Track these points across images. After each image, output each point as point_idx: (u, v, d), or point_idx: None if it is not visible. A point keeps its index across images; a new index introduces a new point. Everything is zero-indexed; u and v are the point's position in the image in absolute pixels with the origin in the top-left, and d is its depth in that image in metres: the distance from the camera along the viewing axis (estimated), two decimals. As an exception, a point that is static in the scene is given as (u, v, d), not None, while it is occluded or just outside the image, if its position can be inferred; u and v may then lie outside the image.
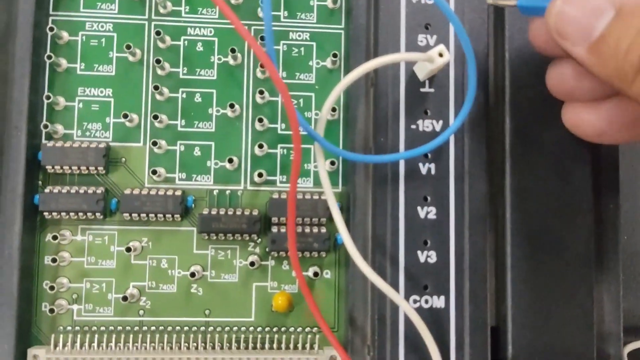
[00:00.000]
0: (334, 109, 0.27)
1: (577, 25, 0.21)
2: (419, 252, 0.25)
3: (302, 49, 0.28)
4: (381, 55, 0.25)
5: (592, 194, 0.25)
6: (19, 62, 0.26)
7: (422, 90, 0.26)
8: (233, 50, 0.27)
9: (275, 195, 0.27)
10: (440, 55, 0.24)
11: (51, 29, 0.26)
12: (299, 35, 0.28)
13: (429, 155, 0.25)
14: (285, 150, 0.28)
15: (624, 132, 0.23)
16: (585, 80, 0.23)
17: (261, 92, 0.27)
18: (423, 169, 0.25)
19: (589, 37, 0.20)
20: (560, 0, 0.21)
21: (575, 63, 0.23)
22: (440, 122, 0.26)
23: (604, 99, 0.23)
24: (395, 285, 0.25)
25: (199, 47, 0.28)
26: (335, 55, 0.27)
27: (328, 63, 0.28)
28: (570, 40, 0.21)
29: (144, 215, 0.26)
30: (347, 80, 0.23)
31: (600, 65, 0.21)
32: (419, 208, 0.25)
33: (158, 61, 0.27)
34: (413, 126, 0.25)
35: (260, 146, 0.27)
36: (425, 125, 0.25)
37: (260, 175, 0.27)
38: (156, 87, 0.27)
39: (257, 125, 0.27)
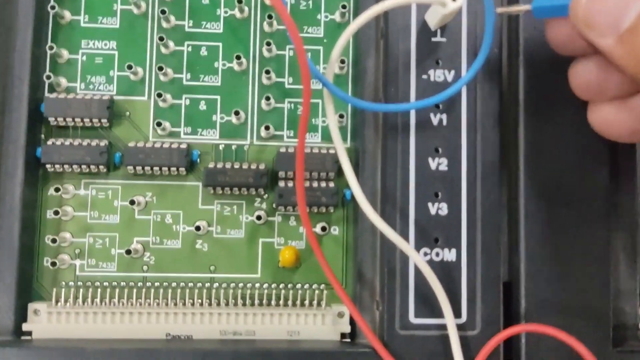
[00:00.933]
0: (342, 61, 0.27)
1: (606, 15, 0.20)
2: (429, 205, 0.24)
3: (310, 2, 0.27)
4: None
5: (608, 146, 0.25)
6: (22, 12, 0.26)
7: (433, 39, 0.25)
8: (240, 1, 0.26)
9: (283, 149, 0.26)
10: None
11: (55, -21, 0.26)
12: (307, -15, 0.28)
13: (440, 105, 0.25)
14: (292, 105, 0.27)
15: None
16: (612, 77, 0.22)
17: (268, 44, 0.26)
18: (434, 120, 0.25)
19: (619, 28, 0.20)
20: None
21: (600, 59, 0.22)
22: (452, 72, 0.25)
23: (633, 95, 0.22)
24: (405, 238, 0.24)
25: (205, 0, 0.27)
26: (344, 7, 0.27)
27: (337, 16, 0.27)
28: (599, 31, 0.20)
29: (148, 168, 0.26)
30: (356, 23, 0.23)
31: (629, 58, 0.20)
32: (430, 159, 0.24)
33: (163, 12, 0.26)
34: (424, 76, 0.25)
35: (267, 98, 0.26)
36: (437, 75, 0.25)
37: (267, 128, 0.26)
38: (161, 39, 0.26)
39: (264, 79, 0.27)
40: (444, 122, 0.25)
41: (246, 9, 0.27)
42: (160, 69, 0.26)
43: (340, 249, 0.27)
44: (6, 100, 0.25)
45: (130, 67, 0.26)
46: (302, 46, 0.21)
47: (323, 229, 0.26)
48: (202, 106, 0.27)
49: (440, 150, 0.25)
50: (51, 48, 0.26)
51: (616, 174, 0.25)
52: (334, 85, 0.23)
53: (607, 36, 0.20)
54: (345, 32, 0.23)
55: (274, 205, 0.26)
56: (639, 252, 0.25)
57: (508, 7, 0.24)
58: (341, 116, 0.27)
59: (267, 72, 0.26)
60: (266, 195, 0.27)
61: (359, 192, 0.23)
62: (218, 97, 0.27)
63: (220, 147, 0.27)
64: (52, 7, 0.26)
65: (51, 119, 0.26)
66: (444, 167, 0.25)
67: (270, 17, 0.27)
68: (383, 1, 0.23)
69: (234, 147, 0.27)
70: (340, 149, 0.23)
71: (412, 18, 0.25)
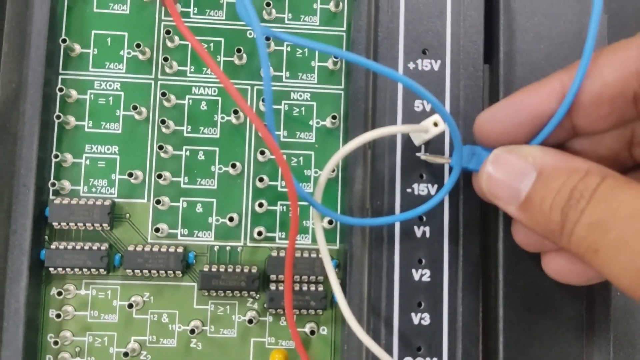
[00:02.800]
0: (333, 170, 0.28)
1: (505, 187, 0.22)
2: (412, 314, 0.26)
3: (303, 108, 0.29)
4: (378, 121, 0.26)
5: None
6: (29, 121, 0.27)
7: (417, 154, 0.26)
8: (236, 112, 0.28)
9: (274, 253, 0.27)
10: (435, 124, 0.25)
11: (60, 90, 0.27)
12: (300, 96, 0.29)
13: (424, 218, 0.26)
14: (284, 207, 0.28)
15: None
16: None
17: (262, 152, 0.28)
18: (418, 232, 0.26)
19: (518, 198, 0.22)
20: (489, 164, 0.23)
21: None
22: (435, 186, 0.26)
23: None
24: (389, 347, 0.25)
25: (203, 106, 0.29)
26: (334, 117, 0.28)
27: (328, 123, 0.29)
28: (503, 200, 0.22)
29: (147, 271, 0.27)
30: (345, 149, 0.24)
31: (533, 222, 0.22)
32: (413, 270, 0.26)
33: (163, 121, 0.28)
34: (409, 190, 0.26)
35: (261, 205, 0.28)
36: (421, 189, 0.26)
37: (259, 233, 0.27)
38: (160, 147, 0.28)
39: (258, 184, 0.28)
40: (427, 234, 0.26)
41: (242, 115, 0.28)
42: (159, 176, 0.27)
43: (328, 349, 0.28)
44: (12, 207, 0.27)
45: (131, 175, 0.27)
46: (289, 173, 0.23)
47: (312, 332, 0.27)
48: (199, 208, 0.28)
49: (423, 261, 0.26)
50: (56, 156, 0.27)
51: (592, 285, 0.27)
52: (321, 205, 0.25)
53: (510, 205, 0.22)
54: (334, 158, 0.24)
55: (265, 307, 0.27)
56: (613, 357, 0.27)
57: (431, 156, 0.26)
58: (330, 222, 0.28)
59: (261, 179, 0.28)
60: (258, 296, 0.28)
61: (345, 306, 0.24)
62: (214, 200, 0.28)
63: (215, 249, 0.28)
64: (58, 117, 0.27)
65: (55, 224, 0.27)
66: (426, 277, 0.26)
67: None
68: (371, 131, 0.24)
69: (228, 248, 0.28)
70: (328, 265, 0.25)
71: (397, 135, 0.26)
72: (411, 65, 0.27)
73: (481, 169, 0.23)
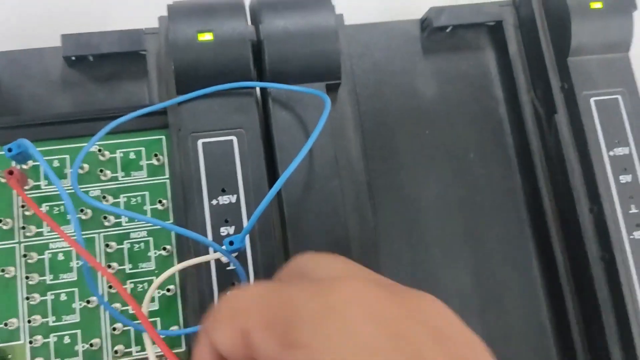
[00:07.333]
0: (168, 290, 0.36)
1: None
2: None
3: (142, 244, 0.37)
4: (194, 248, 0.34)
5: None
6: None
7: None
8: (85, 259, 0.35)
9: (131, 365, 0.35)
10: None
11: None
12: (139, 234, 0.37)
13: (240, 317, 0.34)
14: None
15: None
16: None
17: (110, 287, 0.35)
18: None
19: None
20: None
21: None
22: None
23: None
24: None
25: (60, 257, 0.36)
26: (164, 249, 0.36)
27: (163, 252, 0.36)
28: None
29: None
30: (157, 282, 0.32)
31: None
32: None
33: (27, 277, 0.35)
34: (225, 298, 0.34)
35: (114, 329, 0.35)
36: (234, 295, 0.34)
37: (116, 352, 0.35)
38: (27, 298, 0.35)
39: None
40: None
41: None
42: (29, 321, 0.34)
43: None
44: None
45: (6, 324, 0.34)
46: (135, 304, 0.30)
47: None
48: (67, 340, 0.35)
49: None
50: (-60, 321, 0.34)
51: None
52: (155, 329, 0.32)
53: None
54: (152, 286, 0.32)
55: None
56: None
57: None
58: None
59: (116, 307, 0.35)
60: (124, 402, 0.35)
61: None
62: (78, 330, 0.35)
63: (84, 370, 0.35)
64: (-61, 288, 0.34)
65: (-54, 376, 0.33)
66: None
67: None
68: (180, 264, 0.32)
69: (95, 367, 0.35)
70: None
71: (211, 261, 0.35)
72: (214, 202, 0.35)
73: None
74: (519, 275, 0.42)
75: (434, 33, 0.45)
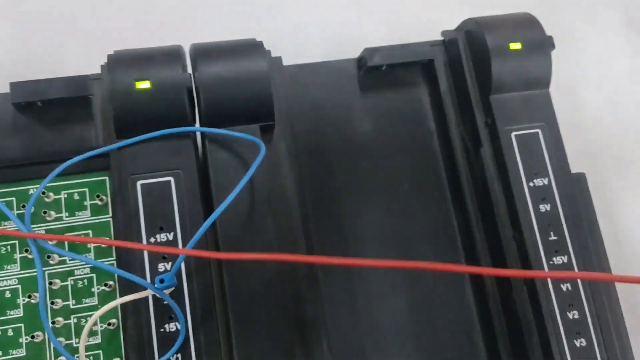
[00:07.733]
0: (110, 324, 0.38)
1: None
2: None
3: (86, 280, 0.39)
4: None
5: None
6: None
7: (164, 303, 0.37)
8: (29, 296, 0.37)
9: (74, 397, 0.36)
10: (164, 284, 0.35)
11: None
12: (82, 271, 0.39)
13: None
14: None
15: None
16: None
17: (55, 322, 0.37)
18: (171, 361, 0.36)
19: None
20: None
21: None
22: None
23: None
24: None
25: (7, 294, 0.38)
26: (107, 285, 0.38)
27: (106, 288, 0.39)
28: None
29: None
30: (93, 318, 0.34)
31: None
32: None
33: (-26, 314, 0.37)
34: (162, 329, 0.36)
35: (57, 363, 0.37)
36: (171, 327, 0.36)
37: (60, 384, 0.36)
38: (-26, 334, 0.37)
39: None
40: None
41: (36, 296, 0.38)
42: (-22, 357, 0.36)
43: None
44: None
45: (-45, 363, 0.36)
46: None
47: None
48: (13, 374, 0.37)
49: (178, 381, 0.36)
50: None
51: None
52: None
53: None
54: (88, 324, 0.34)
55: None
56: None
57: None
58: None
59: (60, 341, 0.37)
60: None
61: None
62: (24, 364, 0.37)
63: (30, 402, 0.37)
64: None
65: None
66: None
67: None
68: (112, 302, 0.34)
69: (40, 399, 0.37)
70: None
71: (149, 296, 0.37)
72: (152, 239, 0.37)
73: None
74: (452, 301, 0.45)
75: (369, 71, 0.47)
